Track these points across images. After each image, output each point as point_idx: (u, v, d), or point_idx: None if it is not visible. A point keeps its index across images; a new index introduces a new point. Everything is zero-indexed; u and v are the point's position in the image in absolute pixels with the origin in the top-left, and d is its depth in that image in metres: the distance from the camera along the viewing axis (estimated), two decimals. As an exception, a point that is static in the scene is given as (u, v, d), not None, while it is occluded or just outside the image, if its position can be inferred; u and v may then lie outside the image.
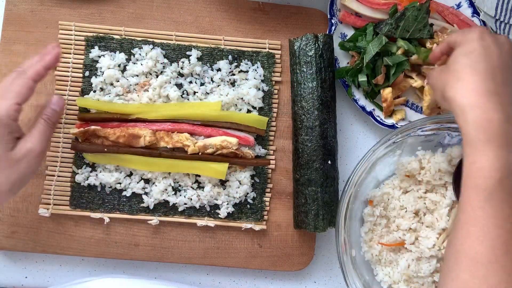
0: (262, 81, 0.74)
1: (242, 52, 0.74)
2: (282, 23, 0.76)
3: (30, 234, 0.71)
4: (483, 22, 0.75)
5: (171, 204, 0.72)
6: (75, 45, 0.73)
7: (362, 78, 0.73)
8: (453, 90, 0.53)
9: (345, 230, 0.68)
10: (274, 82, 0.75)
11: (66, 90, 0.73)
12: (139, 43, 0.73)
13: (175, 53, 0.73)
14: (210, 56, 0.74)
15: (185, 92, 0.73)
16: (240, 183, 0.72)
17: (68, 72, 0.73)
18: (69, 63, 0.73)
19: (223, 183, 0.73)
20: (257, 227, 0.73)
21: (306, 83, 0.70)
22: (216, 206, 0.73)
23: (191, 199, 0.72)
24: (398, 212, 0.71)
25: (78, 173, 0.71)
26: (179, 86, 0.73)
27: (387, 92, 0.73)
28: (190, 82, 0.73)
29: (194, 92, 0.73)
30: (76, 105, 0.72)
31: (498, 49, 0.54)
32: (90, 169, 0.72)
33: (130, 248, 0.72)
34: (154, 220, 0.72)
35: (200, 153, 0.70)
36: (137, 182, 0.72)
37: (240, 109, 0.73)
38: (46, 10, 0.73)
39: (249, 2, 0.75)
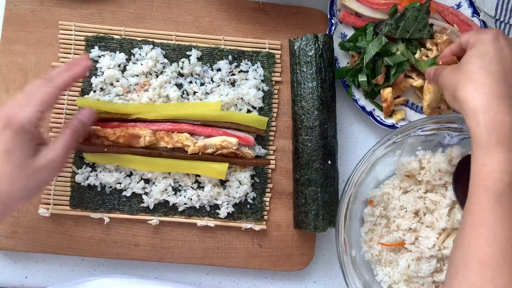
0: (262, 81, 0.74)
1: (242, 52, 0.74)
2: (282, 23, 0.76)
3: (30, 234, 0.71)
4: (483, 22, 0.75)
5: (171, 204, 0.72)
6: (75, 45, 0.73)
7: (362, 78, 0.73)
8: (465, 91, 0.53)
9: (345, 230, 0.68)
10: (274, 82, 0.75)
11: (66, 90, 0.73)
12: (139, 43, 0.73)
13: (175, 53, 0.73)
14: (210, 56, 0.74)
15: (185, 92, 0.73)
16: (240, 183, 0.72)
17: (68, 72, 0.73)
18: (69, 63, 0.73)
19: (223, 183, 0.73)
20: (257, 227, 0.73)
21: (306, 83, 0.70)
22: (216, 206, 0.73)
23: (191, 199, 0.72)
24: (398, 212, 0.71)
25: (78, 173, 0.71)
26: (179, 86, 0.73)
27: (387, 92, 0.73)
28: (190, 82, 0.73)
29: (194, 92, 0.73)
30: (76, 105, 0.72)
31: (511, 52, 0.54)
32: (90, 169, 0.72)
33: (130, 248, 0.72)
34: (154, 220, 0.72)
35: (200, 153, 0.70)
36: (137, 182, 0.72)
37: (240, 109, 0.73)
38: (46, 10, 0.73)
39: (249, 2, 0.75)
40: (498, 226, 0.48)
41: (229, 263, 0.73)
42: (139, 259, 0.73)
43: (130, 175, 0.72)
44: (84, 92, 0.72)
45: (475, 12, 0.75)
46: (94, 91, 0.72)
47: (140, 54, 0.72)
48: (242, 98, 0.73)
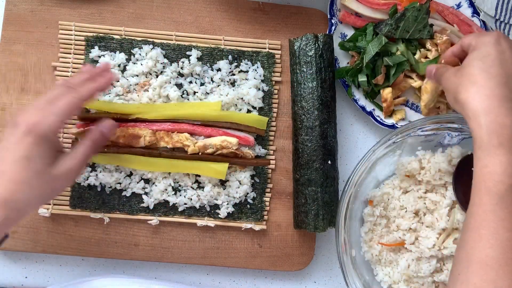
0: (262, 81, 0.74)
1: (242, 52, 0.74)
2: (282, 23, 0.76)
3: (30, 234, 0.71)
4: (483, 22, 0.75)
5: (171, 204, 0.72)
6: (75, 45, 0.73)
7: (362, 78, 0.73)
8: (467, 93, 0.53)
9: (345, 230, 0.68)
10: (274, 82, 0.75)
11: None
12: (139, 43, 0.73)
13: (175, 53, 0.73)
14: (210, 56, 0.74)
15: (185, 92, 0.73)
16: (240, 183, 0.72)
17: (68, 72, 0.73)
18: (69, 63, 0.73)
19: (223, 183, 0.73)
20: (257, 227, 0.73)
21: (306, 83, 0.70)
22: (216, 206, 0.73)
23: (191, 199, 0.72)
24: (398, 212, 0.71)
25: (78, 173, 0.71)
26: (179, 86, 0.73)
27: (387, 92, 0.73)
28: (190, 82, 0.73)
29: (194, 92, 0.73)
30: (76, 105, 0.72)
31: None
32: (90, 169, 0.72)
33: (130, 248, 0.72)
34: (154, 220, 0.72)
35: (200, 153, 0.70)
36: (137, 182, 0.72)
37: (240, 109, 0.73)
38: (46, 10, 0.73)
39: (249, 2, 0.75)
40: (499, 228, 0.48)
41: (229, 263, 0.73)
42: (139, 259, 0.73)
43: (130, 175, 0.72)
44: (84, 92, 0.72)
45: (475, 12, 0.75)
46: (94, 91, 0.72)
47: (140, 54, 0.72)
48: (242, 98, 0.73)
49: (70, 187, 0.71)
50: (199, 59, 0.73)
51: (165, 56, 0.73)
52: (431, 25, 0.73)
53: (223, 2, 0.75)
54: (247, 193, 0.73)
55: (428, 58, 0.73)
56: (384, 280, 0.71)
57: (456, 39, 0.73)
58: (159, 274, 0.75)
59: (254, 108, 0.74)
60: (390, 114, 0.75)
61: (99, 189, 0.72)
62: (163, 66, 0.72)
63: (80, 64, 0.73)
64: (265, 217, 0.74)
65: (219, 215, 0.73)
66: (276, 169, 0.75)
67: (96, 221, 0.72)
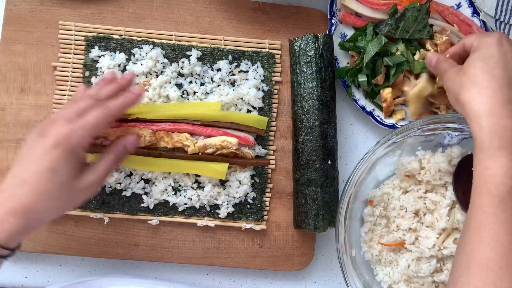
0: (262, 81, 0.74)
1: (242, 52, 0.74)
2: (282, 23, 0.76)
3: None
4: (483, 22, 0.75)
5: (171, 204, 0.72)
6: (75, 45, 0.73)
7: (362, 78, 0.73)
8: (468, 95, 0.53)
9: (345, 230, 0.68)
10: (274, 82, 0.75)
11: (66, 90, 0.73)
12: (139, 43, 0.73)
13: (175, 53, 0.73)
14: (210, 56, 0.74)
15: (185, 92, 0.73)
16: (240, 183, 0.72)
17: (68, 72, 0.73)
18: (69, 63, 0.73)
19: (223, 183, 0.73)
20: (257, 227, 0.73)
21: (306, 83, 0.70)
22: (216, 206, 0.73)
23: (191, 199, 0.72)
24: (398, 212, 0.71)
25: (78, 173, 0.71)
26: (179, 86, 0.73)
27: (386, 92, 0.73)
28: (190, 82, 0.73)
29: (194, 92, 0.73)
30: (76, 105, 0.72)
31: None
32: (90, 169, 0.72)
33: (130, 248, 0.72)
34: (154, 220, 0.72)
35: (200, 153, 0.70)
36: (137, 182, 0.72)
37: (240, 109, 0.73)
38: (46, 10, 0.73)
39: (249, 2, 0.75)
40: (500, 230, 0.48)
41: (229, 263, 0.73)
42: (139, 259, 0.73)
43: (130, 175, 0.72)
44: (84, 92, 0.73)
45: (475, 12, 0.75)
46: (94, 91, 0.72)
47: (140, 54, 0.72)
48: (242, 98, 0.73)
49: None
50: (199, 59, 0.73)
51: (165, 56, 0.73)
52: (431, 25, 0.73)
53: (223, 2, 0.75)
54: (247, 193, 0.73)
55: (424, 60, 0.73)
56: (384, 280, 0.71)
57: (456, 39, 0.73)
58: (159, 274, 0.75)
59: (254, 108, 0.74)
60: (390, 114, 0.75)
61: (99, 189, 0.72)
62: (163, 66, 0.72)
63: (80, 64, 0.73)
64: (265, 217, 0.74)
65: (219, 215, 0.73)
66: (276, 169, 0.75)
67: (96, 221, 0.72)
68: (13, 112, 0.72)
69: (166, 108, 0.71)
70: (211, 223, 0.73)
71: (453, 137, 0.71)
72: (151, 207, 0.72)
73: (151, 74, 0.72)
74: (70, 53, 0.73)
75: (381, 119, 0.75)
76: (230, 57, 0.74)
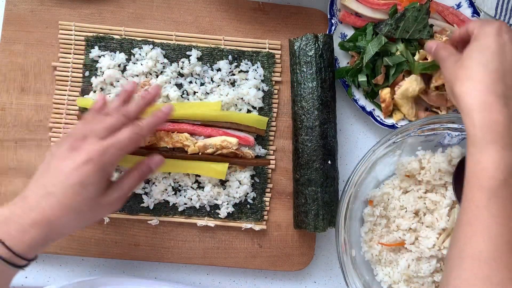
0: (262, 81, 0.74)
1: (242, 52, 0.74)
2: (282, 23, 0.76)
3: (30, 234, 0.71)
4: (483, 22, 0.75)
5: (171, 204, 0.72)
6: (75, 45, 0.73)
7: (362, 78, 0.73)
8: (462, 87, 0.53)
9: (345, 230, 0.68)
10: (274, 82, 0.75)
11: (66, 90, 0.73)
12: (139, 43, 0.73)
13: (175, 53, 0.73)
14: (210, 56, 0.74)
15: (185, 92, 0.73)
16: (240, 183, 0.73)
17: (68, 72, 0.73)
18: (69, 63, 0.73)
19: (223, 183, 0.73)
20: (257, 227, 0.73)
21: (306, 83, 0.70)
22: (216, 206, 0.73)
23: (191, 199, 0.72)
24: (398, 212, 0.71)
25: (78, 173, 0.71)
26: (179, 86, 0.73)
27: (385, 93, 0.73)
28: (190, 82, 0.73)
29: (194, 92, 0.73)
30: (76, 105, 0.72)
31: None
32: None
33: (130, 248, 0.72)
34: (154, 220, 0.72)
35: (200, 153, 0.70)
36: (137, 182, 0.72)
37: (240, 109, 0.73)
38: (46, 10, 0.73)
39: (249, 2, 0.75)
40: (492, 223, 0.49)
41: (229, 263, 0.73)
42: (139, 259, 0.73)
43: (130, 175, 0.72)
44: (84, 92, 0.73)
45: (475, 12, 0.75)
46: (94, 91, 0.72)
47: (140, 54, 0.72)
48: (242, 98, 0.73)
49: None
50: (199, 59, 0.73)
51: (165, 56, 0.73)
52: (431, 26, 0.73)
53: (223, 2, 0.75)
54: (247, 193, 0.73)
55: (427, 59, 0.73)
56: (384, 280, 0.71)
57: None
58: (159, 274, 0.75)
59: (254, 108, 0.74)
60: (390, 114, 0.76)
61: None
62: (163, 66, 0.72)
63: (80, 64, 0.73)
64: (265, 217, 0.74)
65: (219, 215, 0.73)
66: (276, 169, 0.75)
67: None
68: (13, 112, 0.72)
69: (166, 108, 0.71)
70: (211, 223, 0.73)
71: (453, 137, 0.71)
72: (151, 207, 0.72)
73: (151, 74, 0.72)
74: (70, 53, 0.73)
75: (381, 119, 0.75)
76: (230, 57, 0.74)
